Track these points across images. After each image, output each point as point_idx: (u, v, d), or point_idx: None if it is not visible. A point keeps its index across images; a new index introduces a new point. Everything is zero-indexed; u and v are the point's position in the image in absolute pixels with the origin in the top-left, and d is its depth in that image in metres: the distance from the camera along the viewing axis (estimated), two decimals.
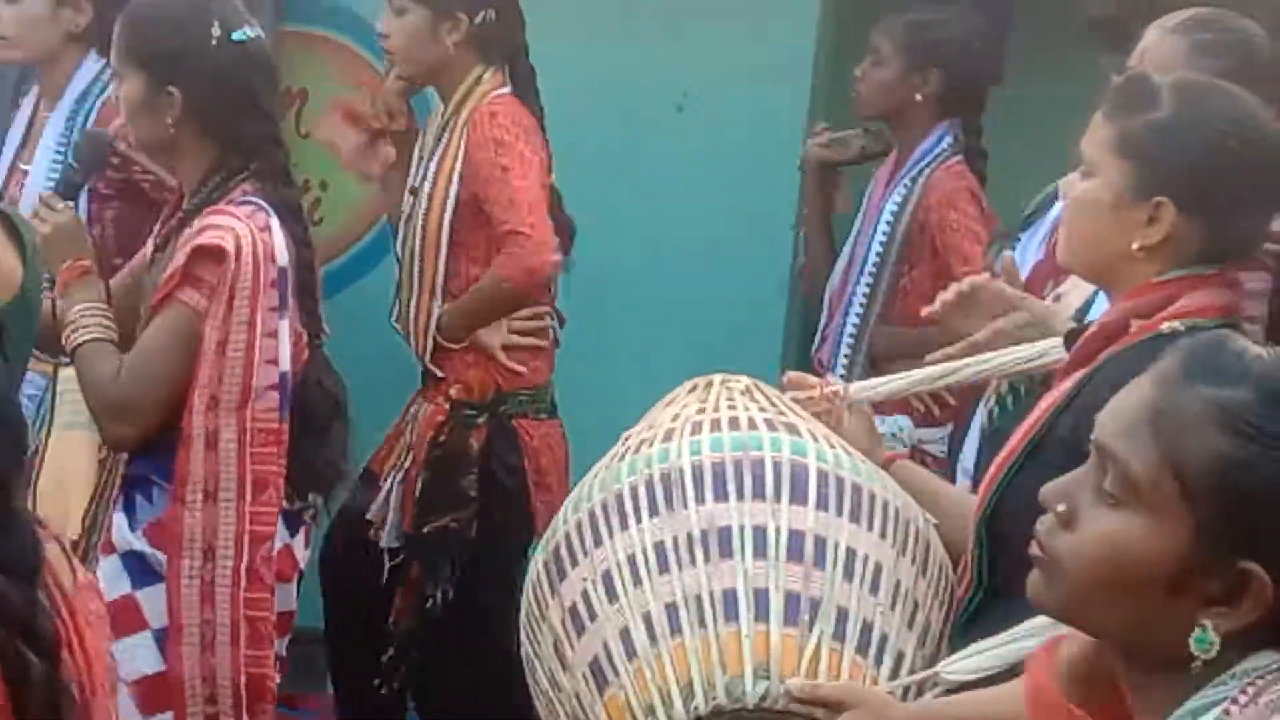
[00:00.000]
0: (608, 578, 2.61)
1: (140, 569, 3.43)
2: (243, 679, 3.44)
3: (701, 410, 2.83)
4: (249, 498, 3.41)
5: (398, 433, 4.52)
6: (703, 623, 2.49)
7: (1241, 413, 1.53)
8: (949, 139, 4.71)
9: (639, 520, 2.63)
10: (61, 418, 3.82)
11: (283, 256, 3.49)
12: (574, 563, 2.69)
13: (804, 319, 5.17)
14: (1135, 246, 2.54)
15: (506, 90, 4.39)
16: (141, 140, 3.68)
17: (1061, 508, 1.63)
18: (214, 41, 3.45)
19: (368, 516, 4.44)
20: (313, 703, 5.06)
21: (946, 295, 3.28)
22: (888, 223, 4.65)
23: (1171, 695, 1.56)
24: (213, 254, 3.34)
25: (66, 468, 3.76)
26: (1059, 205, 3.57)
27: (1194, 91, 2.66)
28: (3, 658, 1.74)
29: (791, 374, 3.16)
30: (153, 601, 3.43)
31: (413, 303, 4.42)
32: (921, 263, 4.62)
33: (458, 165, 4.33)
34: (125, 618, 3.39)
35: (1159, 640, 1.58)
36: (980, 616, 2.58)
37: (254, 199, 3.48)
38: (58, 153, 4.23)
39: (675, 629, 2.50)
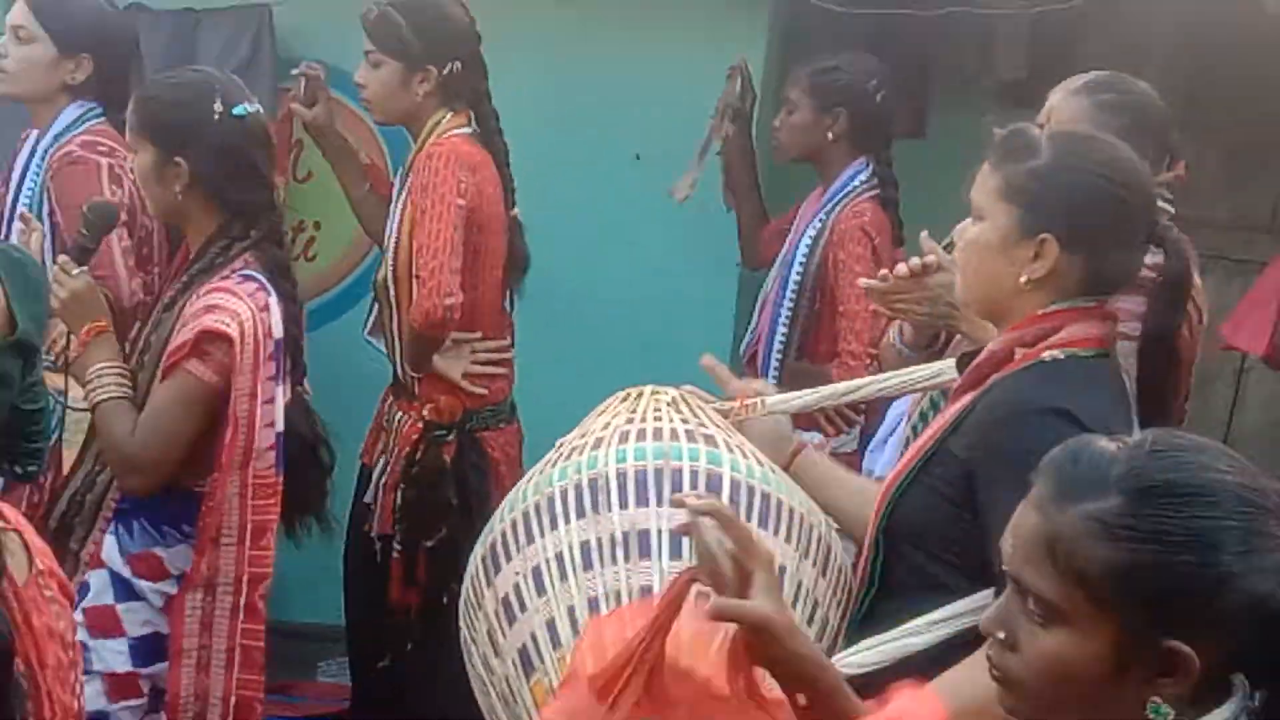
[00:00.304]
0: (537, 573, 2.65)
1: (122, 588, 3.51)
2: (233, 699, 3.53)
3: (629, 420, 2.86)
4: (249, 542, 3.50)
5: (378, 426, 4.61)
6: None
7: (1115, 522, 1.60)
8: (865, 173, 4.76)
9: (567, 521, 2.67)
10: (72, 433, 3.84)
11: (279, 330, 3.56)
12: (508, 558, 2.73)
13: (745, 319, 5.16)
14: (1023, 280, 2.57)
15: (465, 130, 4.44)
16: (152, 206, 3.74)
17: (1002, 635, 1.70)
18: (216, 117, 3.54)
19: (367, 500, 4.58)
20: (302, 691, 5.16)
21: (900, 269, 3.35)
22: (803, 255, 4.72)
23: None
24: (219, 337, 3.42)
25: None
26: None
27: (1070, 141, 2.75)
28: None
29: (707, 359, 3.18)
30: (131, 615, 3.51)
31: (391, 325, 4.49)
32: (825, 294, 4.69)
33: (406, 204, 4.45)
34: (105, 623, 3.52)
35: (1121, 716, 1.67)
36: (873, 614, 2.64)
37: (255, 274, 3.55)
38: (30, 183, 4.26)
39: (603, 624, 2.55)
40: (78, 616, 3.32)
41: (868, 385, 3.49)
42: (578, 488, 2.70)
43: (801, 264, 4.71)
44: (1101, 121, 3.54)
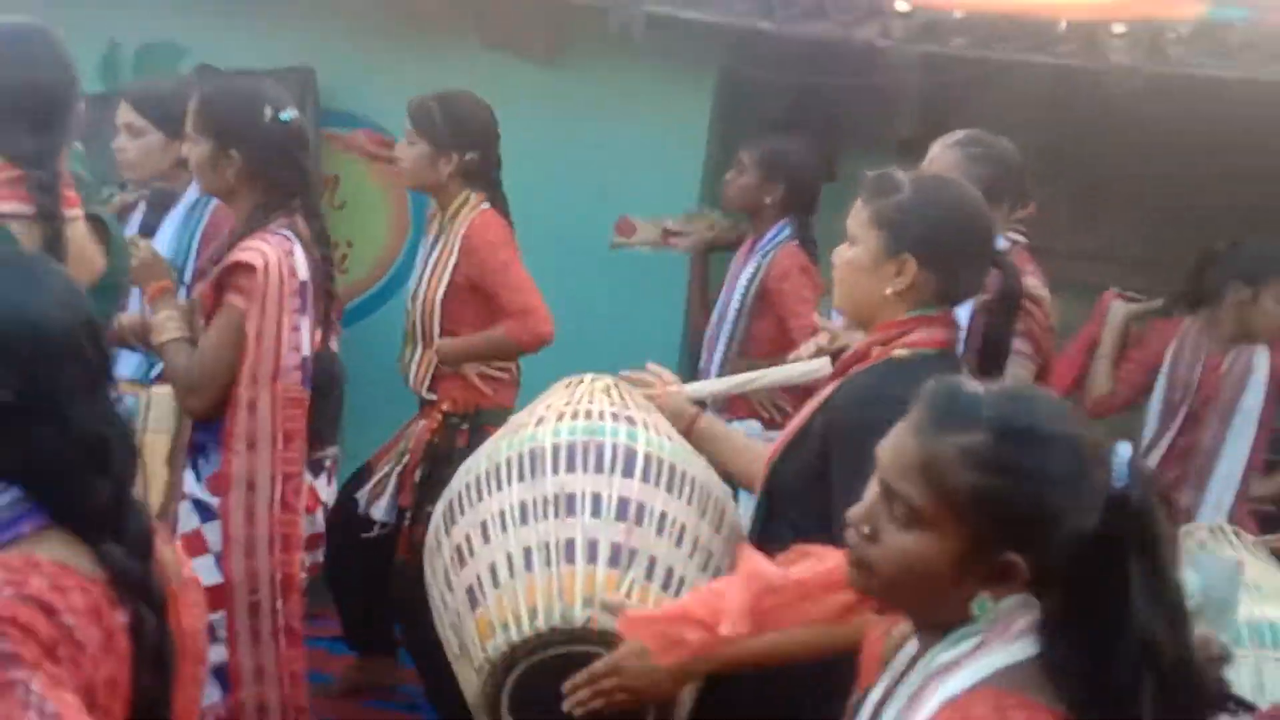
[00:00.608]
0: (484, 526, 2.69)
1: (203, 512, 3.54)
2: (277, 576, 3.53)
3: (568, 403, 2.91)
4: (280, 446, 3.51)
5: (395, 441, 4.63)
6: (549, 563, 2.58)
7: (982, 453, 1.65)
8: (788, 229, 4.84)
9: (510, 484, 2.71)
10: (149, 425, 3.81)
11: (303, 272, 3.57)
12: (462, 512, 2.78)
13: (693, 357, 5.23)
14: (888, 292, 2.62)
15: (488, 206, 4.50)
16: (205, 187, 3.75)
17: (866, 529, 1.75)
18: (266, 119, 3.57)
19: (356, 497, 4.56)
20: (330, 620, 5.02)
21: (812, 345, 3.42)
22: (743, 288, 4.81)
23: (948, 634, 1.72)
24: (246, 268, 3.44)
25: (149, 465, 3.67)
26: None
27: (927, 181, 2.79)
28: (129, 614, 1.72)
29: (650, 365, 3.27)
30: (212, 533, 3.53)
31: (415, 354, 4.55)
32: (762, 318, 4.77)
33: (452, 258, 4.44)
34: (194, 545, 3.50)
35: (946, 613, 1.72)
36: None
37: (282, 230, 3.56)
38: (177, 241, 4.22)
39: (529, 567, 2.59)
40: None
41: (760, 377, 3.62)
42: (520, 457, 2.75)
43: (742, 292, 4.79)
44: (970, 169, 3.68)
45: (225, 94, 3.74)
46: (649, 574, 2.56)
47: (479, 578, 2.64)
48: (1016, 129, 4.17)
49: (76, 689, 1.62)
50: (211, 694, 3.49)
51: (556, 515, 2.63)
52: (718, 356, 4.78)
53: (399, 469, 4.54)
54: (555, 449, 2.73)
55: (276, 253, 3.50)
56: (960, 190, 2.79)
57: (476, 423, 4.41)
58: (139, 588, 1.72)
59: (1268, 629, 2.89)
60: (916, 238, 2.61)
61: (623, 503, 2.64)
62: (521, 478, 2.71)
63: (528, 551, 2.60)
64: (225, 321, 3.48)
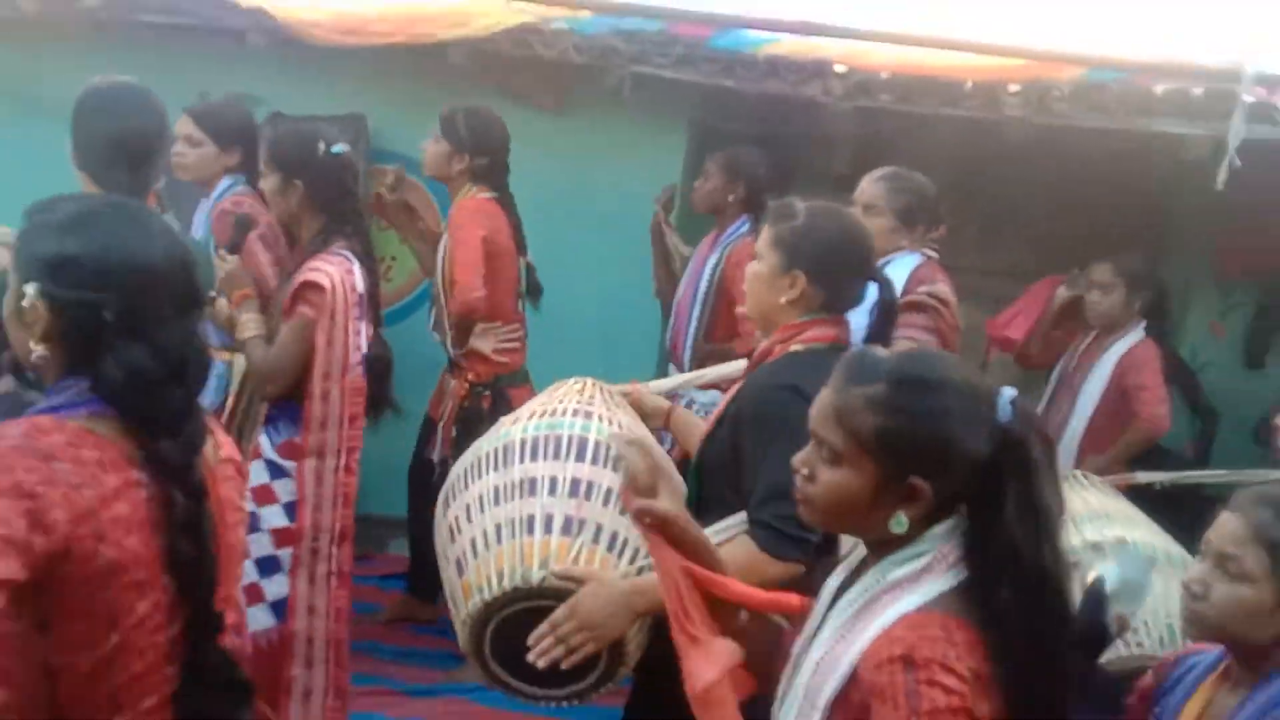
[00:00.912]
0: (468, 508, 2.69)
1: (274, 470, 3.62)
2: (337, 527, 3.61)
3: (543, 404, 2.91)
4: (346, 425, 3.60)
5: (440, 389, 4.72)
6: (514, 536, 2.58)
7: (882, 399, 1.69)
8: (746, 225, 4.81)
9: (487, 474, 2.71)
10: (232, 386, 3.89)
11: (360, 286, 3.64)
12: (455, 497, 2.77)
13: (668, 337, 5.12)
14: (783, 301, 2.65)
15: (485, 195, 4.52)
16: (275, 213, 3.80)
17: (805, 471, 1.77)
18: (321, 153, 3.64)
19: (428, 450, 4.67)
20: (377, 561, 5.28)
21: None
22: (709, 275, 4.80)
23: (892, 554, 1.73)
24: (316, 288, 3.52)
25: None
26: None
27: (818, 209, 2.71)
28: (163, 494, 1.74)
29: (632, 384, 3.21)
30: (281, 487, 3.61)
31: (443, 321, 4.62)
32: (721, 302, 4.77)
33: (448, 243, 4.54)
34: (266, 497, 3.62)
35: (875, 531, 1.73)
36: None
37: (342, 252, 3.62)
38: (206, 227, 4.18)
39: (499, 540, 2.59)
40: (247, 494, 3.36)
41: (705, 374, 3.63)
42: (497, 451, 2.75)
43: (707, 281, 4.80)
44: (891, 198, 3.89)
45: (289, 134, 3.79)
46: (595, 538, 2.56)
47: (464, 551, 2.66)
48: (932, 168, 4.26)
49: (70, 519, 1.62)
50: (266, 620, 3.57)
51: (521, 496, 2.63)
52: (689, 341, 4.77)
53: (443, 423, 4.62)
54: (523, 443, 2.73)
55: (339, 272, 3.57)
56: (846, 219, 2.79)
57: (496, 387, 4.53)
58: (179, 475, 1.74)
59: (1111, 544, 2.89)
60: (806, 257, 2.64)
61: (574, 482, 2.62)
62: (496, 468, 2.71)
63: (498, 527, 2.61)
64: (297, 327, 3.56)
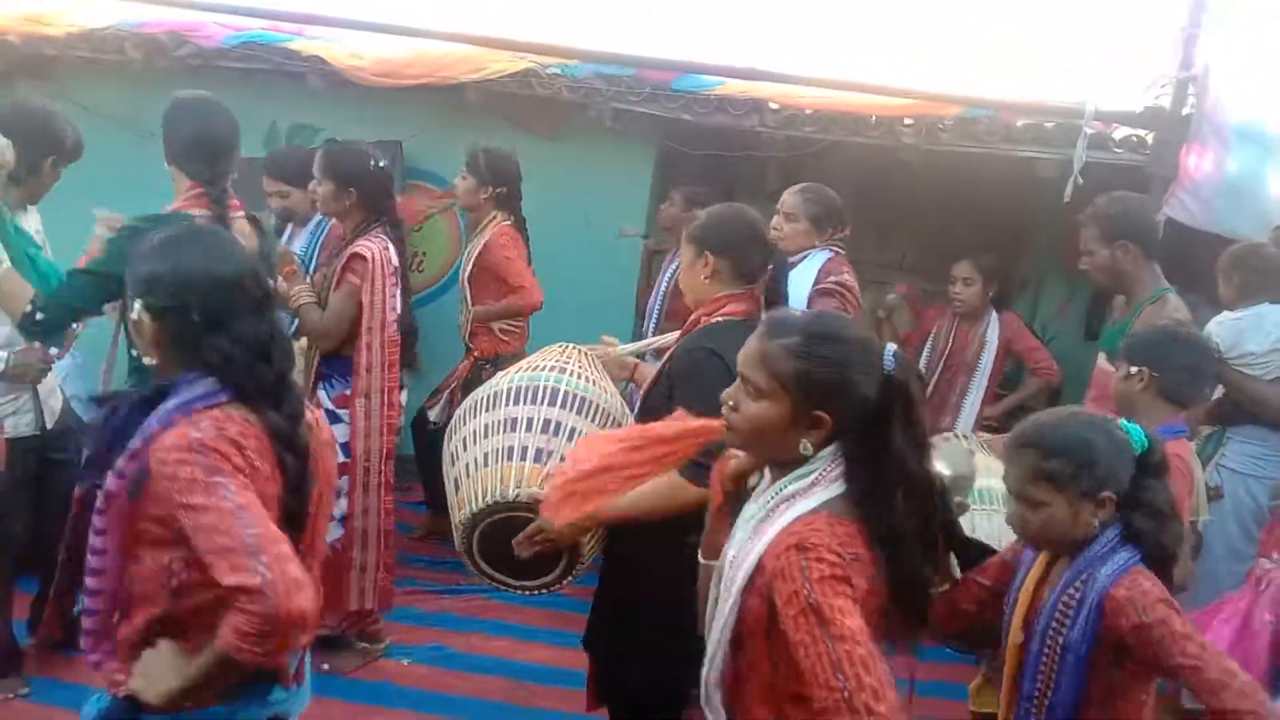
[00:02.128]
0: (465, 440, 2.73)
1: (332, 418, 3.54)
2: (384, 450, 3.61)
3: (530, 361, 2.93)
4: (386, 370, 3.59)
5: (450, 376, 4.62)
6: (497, 462, 2.60)
7: (796, 348, 1.70)
8: None
9: (481, 414, 2.74)
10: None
11: (394, 260, 3.62)
12: (456, 431, 2.81)
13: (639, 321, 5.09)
14: (703, 279, 2.64)
15: (509, 222, 4.50)
16: (326, 212, 3.76)
17: (732, 404, 1.77)
18: (371, 167, 3.65)
19: (426, 408, 4.61)
20: (413, 491, 5.06)
21: None
22: (667, 279, 4.66)
23: (789, 473, 1.74)
24: (361, 258, 3.52)
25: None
26: None
27: (714, 206, 2.79)
28: (278, 458, 1.75)
29: (603, 336, 3.21)
30: (339, 431, 3.53)
31: (461, 316, 4.60)
32: (678, 298, 4.10)
33: (476, 254, 4.47)
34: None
35: (786, 454, 1.73)
36: None
37: (380, 235, 3.60)
38: (305, 249, 4.25)
39: (486, 465, 2.61)
40: None
41: (660, 339, 3.50)
42: (489, 396, 2.78)
43: (667, 282, 4.66)
44: (806, 207, 3.88)
45: (346, 152, 3.72)
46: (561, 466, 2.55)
47: (459, 474, 2.68)
48: (844, 183, 4.32)
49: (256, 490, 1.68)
50: (335, 531, 3.60)
51: (504, 432, 2.64)
52: (652, 323, 4.73)
53: (448, 391, 4.58)
54: (509, 390, 2.74)
55: (378, 248, 3.58)
56: (736, 208, 2.75)
57: (497, 364, 4.35)
58: (288, 441, 1.77)
59: (984, 494, 2.95)
60: (710, 241, 2.64)
61: (546, 422, 2.63)
62: (487, 410, 2.73)
63: (486, 455, 2.62)
64: (346, 292, 3.55)
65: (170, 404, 1.74)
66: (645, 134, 5.23)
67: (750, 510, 1.81)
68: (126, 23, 5.02)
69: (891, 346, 1.73)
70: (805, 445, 1.70)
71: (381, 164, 3.75)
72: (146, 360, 1.82)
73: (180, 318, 1.75)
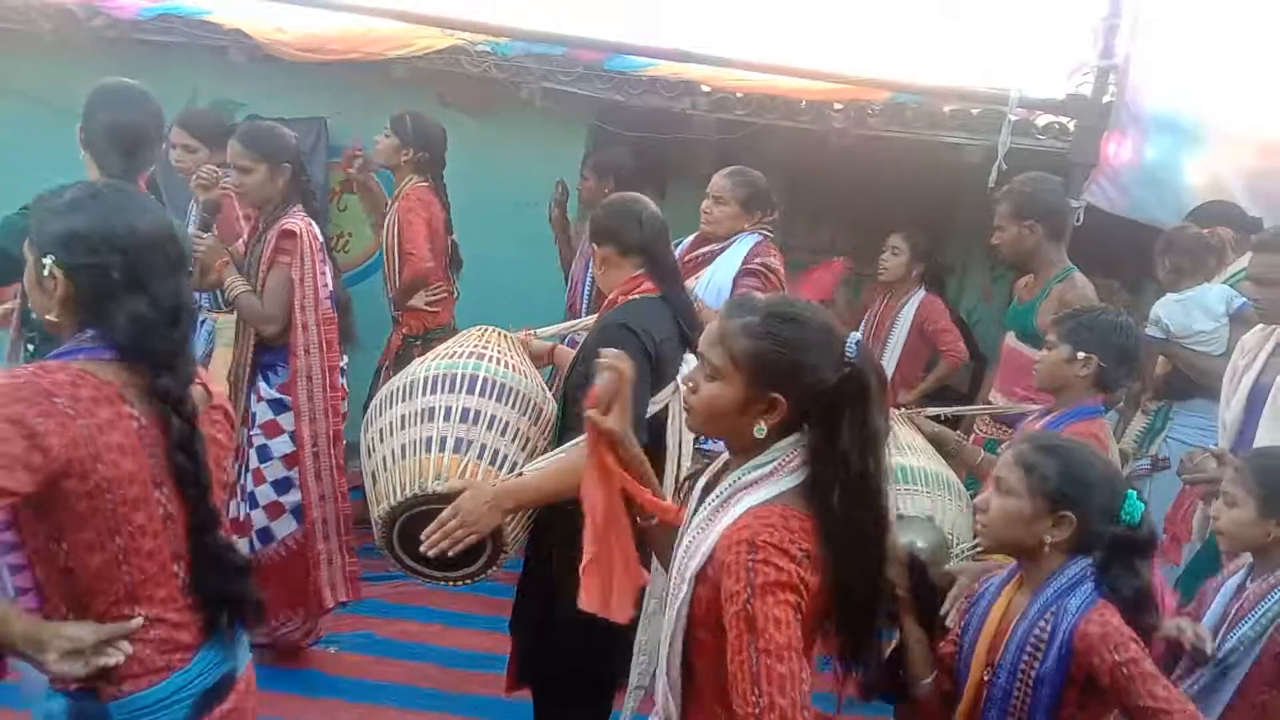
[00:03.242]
0: (381, 432, 2.66)
1: (277, 406, 3.55)
2: (330, 432, 3.54)
3: (448, 348, 2.85)
4: (325, 350, 3.52)
5: (381, 357, 4.60)
6: (415, 453, 2.54)
7: (754, 327, 1.66)
8: None
9: (396, 404, 2.68)
10: (219, 341, 3.77)
11: (319, 236, 3.53)
12: (372, 422, 2.73)
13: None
14: (601, 271, 2.72)
15: (425, 183, 4.44)
16: (259, 196, 3.54)
17: (691, 384, 1.75)
18: (295, 144, 3.60)
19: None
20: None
21: None
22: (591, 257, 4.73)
23: (749, 460, 1.70)
24: (290, 234, 3.44)
25: (216, 365, 3.66)
26: (679, 249, 3.81)
27: (620, 200, 2.78)
28: (161, 418, 1.70)
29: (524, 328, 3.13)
30: (285, 420, 3.53)
31: (386, 288, 4.57)
32: None
33: (393, 219, 4.43)
34: (273, 430, 3.55)
35: (741, 436, 1.70)
36: (560, 440, 2.59)
37: (301, 213, 3.51)
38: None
39: (403, 457, 2.56)
40: (256, 431, 3.47)
41: (579, 322, 3.52)
42: (405, 385, 2.72)
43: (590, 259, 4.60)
44: (735, 190, 3.90)
45: (269, 133, 3.60)
46: (480, 455, 2.54)
47: (376, 467, 2.63)
48: (774, 166, 4.35)
49: (64, 443, 1.59)
50: (290, 525, 3.57)
51: (421, 423, 2.59)
52: (584, 301, 4.66)
53: (381, 370, 4.51)
54: (426, 379, 2.68)
55: (303, 224, 3.49)
56: (645, 208, 2.73)
57: (427, 339, 4.38)
58: (177, 403, 1.71)
59: (908, 472, 2.85)
60: (593, 234, 2.70)
61: (465, 411, 2.58)
62: (404, 400, 2.67)
63: (403, 447, 2.57)
64: (280, 273, 3.47)
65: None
66: (576, 114, 5.19)
67: (701, 485, 1.82)
68: None
69: (855, 335, 1.67)
70: (760, 428, 1.66)
71: (293, 137, 3.69)
72: (47, 319, 1.75)
73: (97, 276, 1.69)
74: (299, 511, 3.58)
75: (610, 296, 2.71)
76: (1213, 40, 4.45)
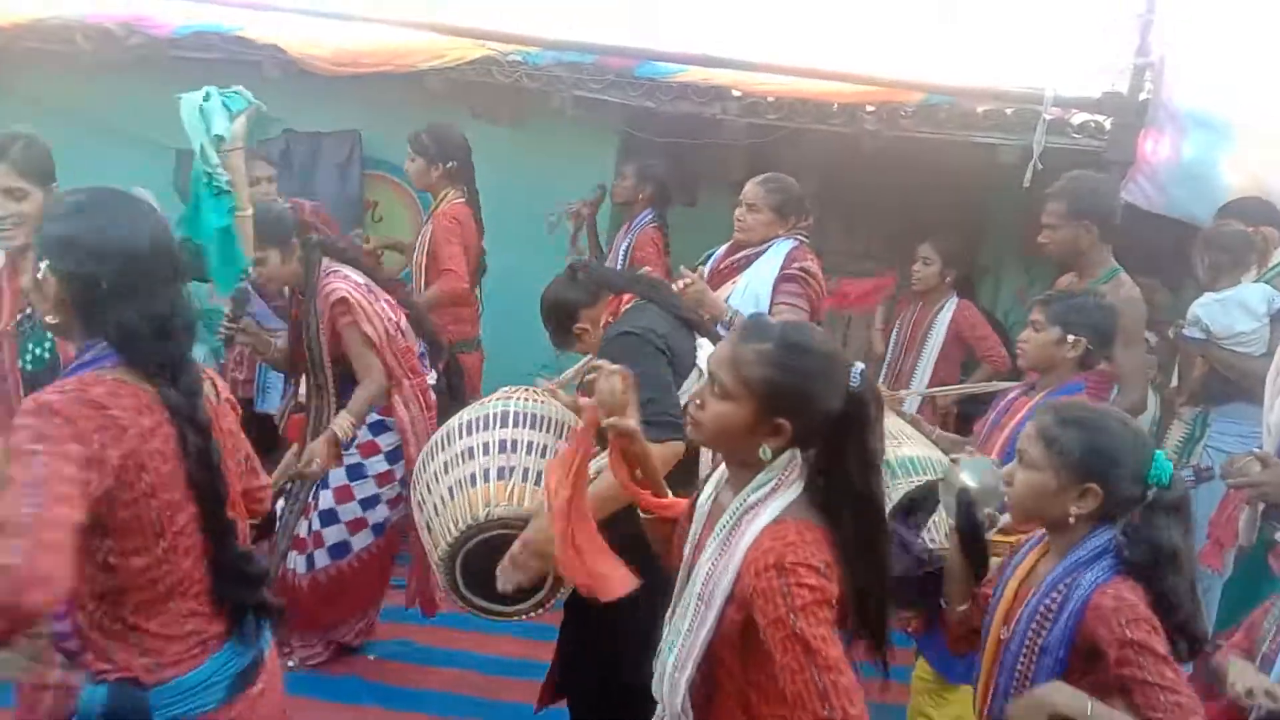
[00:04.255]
0: (428, 483, 2.71)
1: (378, 428, 3.59)
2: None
3: (479, 401, 2.89)
4: (413, 377, 3.60)
5: None
6: (462, 492, 2.59)
7: (768, 355, 1.69)
8: (650, 215, 4.89)
9: (439, 454, 2.73)
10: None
11: (361, 280, 3.55)
12: (419, 478, 2.78)
13: None
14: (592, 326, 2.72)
15: (461, 200, 4.44)
16: (277, 284, 3.67)
17: (698, 402, 1.77)
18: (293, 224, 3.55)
19: None
20: None
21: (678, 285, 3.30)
22: (621, 254, 4.84)
23: (748, 477, 1.75)
24: (344, 302, 3.46)
25: None
26: (713, 257, 3.92)
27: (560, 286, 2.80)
28: (176, 430, 1.71)
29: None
30: (384, 440, 3.60)
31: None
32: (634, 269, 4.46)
33: (429, 236, 4.41)
34: (370, 450, 3.59)
35: (745, 456, 1.74)
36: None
37: (335, 273, 3.53)
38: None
39: (453, 498, 2.60)
40: (351, 452, 3.51)
41: (587, 361, 3.18)
42: (442, 436, 2.77)
43: (622, 256, 4.82)
44: (768, 197, 3.86)
45: (277, 215, 3.60)
46: (524, 478, 2.56)
47: (429, 515, 2.66)
48: (806, 171, 4.30)
49: (121, 455, 1.62)
50: (367, 539, 3.63)
51: (463, 463, 2.63)
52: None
53: None
54: (460, 425, 2.73)
55: (343, 284, 3.52)
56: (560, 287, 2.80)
57: (452, 352, 4.24)
58: (185, 413, 1.72)
59: (909, 463, 2.94)
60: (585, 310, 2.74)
61: (501, 442, 2.62)
62: (443, 449, 2.72)
63: (450, 490, 2.61)
64: (353, 334, 3.49)
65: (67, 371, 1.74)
66: (607, 122, 5.22)
67: (704, 498, 1.85)
68: (75, 13, 4.95)
69: (859, 365, 1.73)
70: (765, 450, 1.71)
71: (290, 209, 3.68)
72: (48, 320, 1.77)
73: (86, 285, 1.70)
74: (380, 527, 3.66)
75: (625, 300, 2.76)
76: (1250, 36, 4.39)
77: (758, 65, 4.82)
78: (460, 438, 2.69)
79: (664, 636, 1.81)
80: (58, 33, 4.92)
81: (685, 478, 2.51)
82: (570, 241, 5.19)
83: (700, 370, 2.56)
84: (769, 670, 1.62)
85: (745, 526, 1.69)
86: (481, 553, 2.52)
